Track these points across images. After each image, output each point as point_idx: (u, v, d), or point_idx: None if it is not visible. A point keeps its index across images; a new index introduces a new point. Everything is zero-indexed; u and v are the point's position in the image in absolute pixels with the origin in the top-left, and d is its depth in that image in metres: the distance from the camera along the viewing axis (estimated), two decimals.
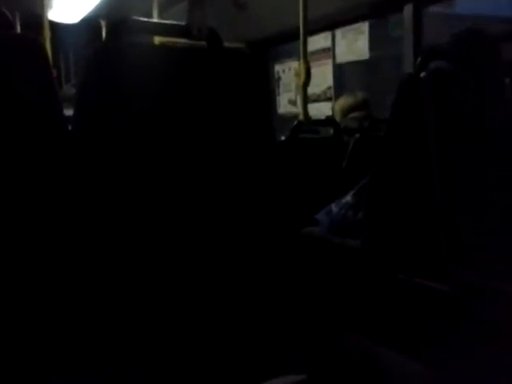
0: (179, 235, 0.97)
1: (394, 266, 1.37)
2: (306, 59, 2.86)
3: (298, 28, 2.84)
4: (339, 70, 3.80)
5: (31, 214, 0.90)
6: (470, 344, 1.15)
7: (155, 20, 2.76)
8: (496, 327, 1.12)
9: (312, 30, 3.13)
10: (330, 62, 3.87)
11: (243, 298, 1.00)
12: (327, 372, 0.83)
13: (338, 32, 3.72)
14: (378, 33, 3.40)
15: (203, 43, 1.02)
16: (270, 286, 1.04)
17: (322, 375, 0.82)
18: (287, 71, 4.42)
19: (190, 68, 1.01)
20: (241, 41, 3.91)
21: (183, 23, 1.00)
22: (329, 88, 3.93)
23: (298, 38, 2.89)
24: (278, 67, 4.51)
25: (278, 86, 4.52)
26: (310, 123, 2.75)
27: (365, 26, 3.45)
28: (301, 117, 2.92)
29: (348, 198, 1.92)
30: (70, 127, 0.95)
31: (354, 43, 3.59)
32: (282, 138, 2.42)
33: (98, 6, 3.50)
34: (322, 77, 3.90)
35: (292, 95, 4.38)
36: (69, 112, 0.93)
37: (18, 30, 3.00)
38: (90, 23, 3.93)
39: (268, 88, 4.36)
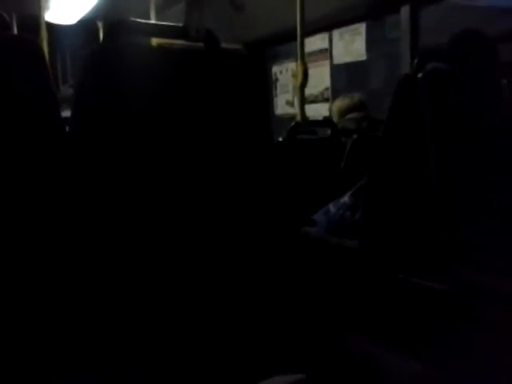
0: (178, 236, 0.97)
1: (392, 266, 1.37)
2: (304, 60, 2.87)
3: (295, 29, 2.84)
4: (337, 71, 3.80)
5: (29, 215, 0.90)
6: (470, 343, 1.15)
7: (152, 21, 2.76)
8: (495, 326, 1.12)
9: (309, 31, 3.13)
10: (327, 63, 3.88)
11: (242, 298, 1.00)
12: (327, 372, 0.83)
13: (336, 33, 3.73)
14: (375, 34, 3.41)
15: (200, 44, 1.02)
16: (268, 286, 1.04)
17: (322, 375, 0.82)
18: (284, 72, 4.43)
19: (188, 69, 1.01)
20: (238, 42, 3.91)
21: (180, 25, 1.00)
22: (326, 89, 3.93)
23: (295, 39, 2.89)
24: (275, 68, 4.52)
25: (276, 87, 4.53)
26: (307, 124, 2.75)
27: (362, 27, 3.46)
28: (298, 118, 2.92)
29: (346, 198, 1.92)
30: (67, 128, 0.94)
31: (351, 44, 3.60)
32: (280, 139, 2.43)
33: (95, 7, 3.50)
34: (320, 78, 3.91)
35: (289, 96, 4.38)
36: (66, 113, 0.93)
37: (15, 31, 2.99)
38: (87, 24, 3.93)
39: (265, 89, 4.37)
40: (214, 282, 0.99)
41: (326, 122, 2.96)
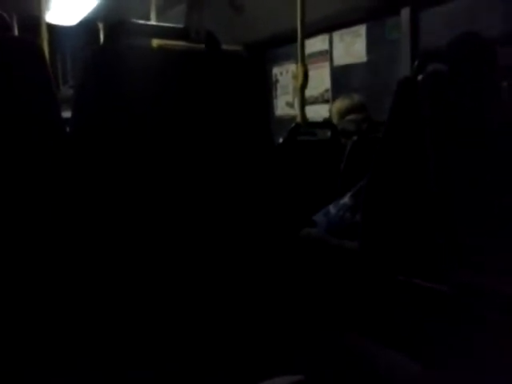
0: (178, 238, 0.97)
1: (392, 267, 1.37)
2: (304, 62, 2.87)
3: (296, 31, 2.85)
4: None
5: (28, 216, 0.90)
6: (470, 344, 1.15)
7: (153, 23, 2.76)
8: (495, 327, 1.12)
9: (309, 33, 3.14)
10: (327, 64, 3.88)
11: (242, 299, 1.00)
12: (326, 373, 0.83)
13: (336, 35, 3.73)
14: (376, 35, 3.41)
15: (201, 46, 1.02)
16: (268, 287, 1.04)
17: (321, 376, 0.82)
18: (285, 74, 4.43)
19: (188, 71, 1.01)
20: (238, 43, 3.92)
21: (181, 26, 1.00)
22: (326, 90, 3.94)
23: (295, 40, 2.90)
24: (275, 70, 4.52)
25: (276, 89, 4.53)
26: (307, 125, 2.75)
27: (362, 29, 3.47)
28: (298, 119, 2.92)
29: (346, 199, 1.93)
30: (67, 129, 0.95)
31: (351, 46, 3.60)
32: (280, 140, 2.43)
33: (95, 8, 3.51)
34: (320, 79, 3.91)
35: (289, 97, 4.38)
36: (66, 114, 0.94)
37: (16, 32, 3.00)
38: (87, 25, 3.93)
39: (265, 91, 4.38)
40: (215, 282, 0.99)
41: (326, 123, 2.96)
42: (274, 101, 4.53)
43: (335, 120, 2.98)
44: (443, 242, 1.23)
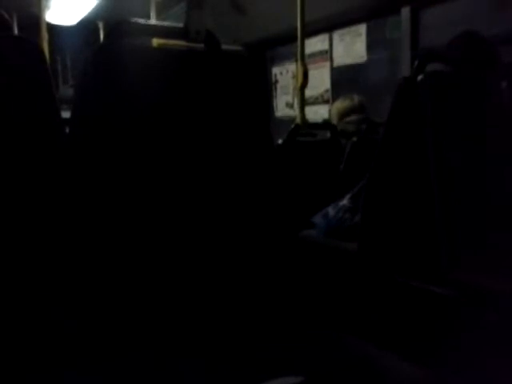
0: (177, 238, 0.97)
1: (391, 269, 1.37)
2: (304, 62, 2.87)
3: (296, 30, 2.84)
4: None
5: (28, 215, 0.90)
6: (469, 345, 1.15)
7: (153, 22, 2.76)
8: (494, 328, 1.12)
9: (309, 33, 3.14)
10: (327, 64, 3.87)
11: (242, 301, 1.00)
12: (325, 375, 0.83)
13: (336, 34, 3.73)
14: (376, 35, 3.41)
15: (201, 45, 1.02)
16: (267, 288, 1.04)
17: (320, 378, 0.82)
18: (285, 73, 4.42)
19: (188, 70, 1.01)
20: (239, 43, 3.91)
21: (181, 25, 0.99)
22: (326, 91, 3.93)
23: (295, 40, 2.90)
24: (275, 69, 4.51)
25: (276, 89, 4.53)
26: (307, 127, 2.75)
27: (362, 29, 3.46)
28: (298, 120, 2.92)
29: (345, 201, 1.92)
30: (67, 129, 0.94)
31: (351, 46, 3.60)
32: (280, 141, 2.43)
33: (95, 7, 3.50)
34: (320, 79, 3.91)
35: (289, 98, 4.38)
36: (66, 114, 0.93)
37: (16, 31, 2.99)
38: (87, 25, 3.93)
39: (265, 91, 4.37)
40: (214, 283, 0.98)
41: (326, 124, 2.97)
42: (274, 101, 4.53)
43: (335, 121, 2.98)
44: (443, 243, 1.23)
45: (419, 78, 1.34)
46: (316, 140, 2.65)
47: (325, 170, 2.43)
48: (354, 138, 2.46)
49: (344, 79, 3.79)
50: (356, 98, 2.99)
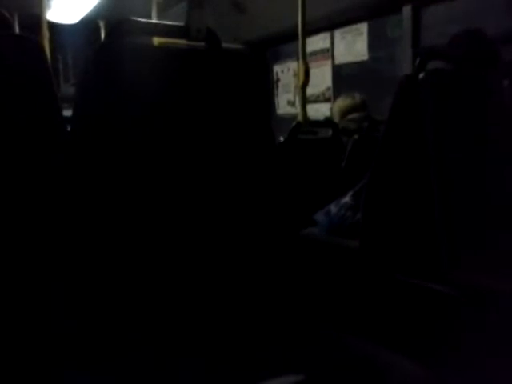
0: (179, 236, 0.97)
1: (393, 267, 1.37)
2: (305, 60, 2.87)
3: (297, 29, 2.84)
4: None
5: (28, 214, 0.90)
6: (469, 345, 1.15)
7: (154, 21, 2.76)
8: (495, 328, 1.12)
9: (311, 31, 3.13)
10: (328, 62, 3.87)
11: (243, 299, 1.00)
12: (326, 373, 0.83)
13: (337, 33, 3.72)
14: (377, 34, 3.41)
15: (202, 44, 1.02)
16: (269, 287, 1.04)
17: (321, 376, 0.82)
18: (286, 72, 4.42)
19: (189, 69, 1.01)
20: (240, 41, 3.91)
21: (182, 24, 0.99)
22: (328, 89, 3.93)
23: (296, 38, 2.89)
24: (276, 68, 4.51)
25: (277, 87, 4.52)
26: (308, 124, 2.75)
27: (364, 27, 3.46)
28: (299, 118, 2.92)
29: (347, 198, 1.92)
30: (68, 127, 0.94)
31: (352, 44, 3.59)
32: (281, 139, 2.43)
33: (96, 6, 3.50)
34: (321, 78, 3.91)
35: (291, 96, 4.38)
36: (67, 112, 0.93)
37: (17, 30, 2.99)
38: (88, 24, 3.93)
39: (267, 89, 4.37)
40: (215, 282, 0.99)
41: (327, 122, 2.97)
42: (275, 99, 4.53)
43: (336, 119, 2.98)
44: (444, 241, 1.23)
45: (420, 76, 1.34)
46: (317, 138, 2.65)
47: (326, 167, 2.44)
48: (356, 136, 2.46)
49: (345, 77, 3.79)
50: (357, 97, 2.99)
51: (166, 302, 0.93)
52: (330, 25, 3.59)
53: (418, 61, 1.37)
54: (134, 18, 0.95)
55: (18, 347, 0.86)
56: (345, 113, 2.96)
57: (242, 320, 0.98)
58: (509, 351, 1.07)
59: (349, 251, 1.67)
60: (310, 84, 2.92)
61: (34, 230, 0.90)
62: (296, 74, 3.43)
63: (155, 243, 0.94)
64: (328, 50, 3.86)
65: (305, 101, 2.96)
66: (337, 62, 3.81)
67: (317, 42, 3.90)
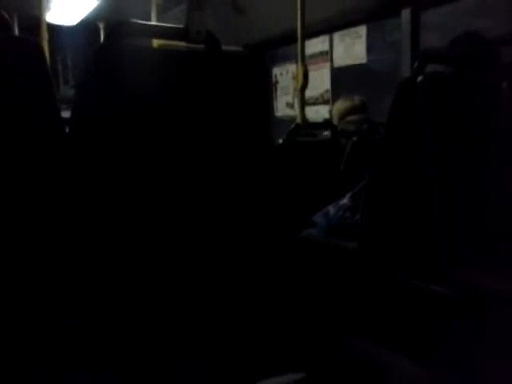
0: (178, 238, 0.97)
1: (392, 268, 1.37)
2: (304, 62, 2.87)
3: (296, 31, 2.85)
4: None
5: (27, 215, 0.90)
6: (469, 345, 1.15)
7: (153, 23, 2.76)
8: (495, 328, 1.12)
9: (310, 34, 3.14)
10: (327, 65, 3.88)
11: (242, 300, 1.00)
12: (326, 374, 0.83)
13: (336, 36, 3.73)
14: (376, 37, 3.42)
15: (201, 46, 1.02)
16: (268, 288, 1.04)
17: (320, 377, 0.82)
18: (285, 74, 4.43)
19: (188, 71, 1.01)
20: (239, 44, 3.92)
21: (181, 26, 1.00)
22: (326, 91, 3.94)
23: (295, 41, 2.90)
24: (275, 70, 4.52)
25: (276, 89, 4.53)
26: (307, 126, 2.75)
27: (363, 30, 3.47)
28: (298, 120, 2.92)
29: (345, 199, 1.93)
30: (67, 129, 0.94)
31: (351, 47, 3.60)
32: (280, 141, 2.43)
33: (95, 8, 3.51)
34: (320, 80, 3.91)
35: (290, 98, 4.38)
36: (67, 114, 0.93)
37: (16, 31, 3.00)
38: (87, 25, 3.94)
39: (266, 91, 4.37)
40: (215, 283, 0.99)
41: (326, 124, 2.97)
42: (274, 101, 4.53)
43: (336, 121, 2.99)
44: (443, 242, 1.23)
45: (419, 78, 1.35)
46: (316, 140, 2.65)
47: (325, 169, 2.44)
48: (355, 138, 2.46)
49: (344, 80, 3.80)
50: (357, 99, 3.00)
51: (165, 302, 0.93)
52: (328, 27, 3.60)
53: (416, 63, 1.38)
54: (134, 20, 0.95)
55: (18, 347, 0.86)
56: (344, 115, 2.97)
57: (242, 320, 0.98)
58: (509, 351, 1.07)
59: (347, 252, 1.67)
60: (308, 86, 2.92)
61: (34, 230, 0.90)
62: (295, 77, 3.43)
63: (155, 244, 0.94)
64: (327, 52, 3.87)
65: (304, 103, 2.96)
66: (336, 64, 3.82)
67: (316, 45, 3.91)
